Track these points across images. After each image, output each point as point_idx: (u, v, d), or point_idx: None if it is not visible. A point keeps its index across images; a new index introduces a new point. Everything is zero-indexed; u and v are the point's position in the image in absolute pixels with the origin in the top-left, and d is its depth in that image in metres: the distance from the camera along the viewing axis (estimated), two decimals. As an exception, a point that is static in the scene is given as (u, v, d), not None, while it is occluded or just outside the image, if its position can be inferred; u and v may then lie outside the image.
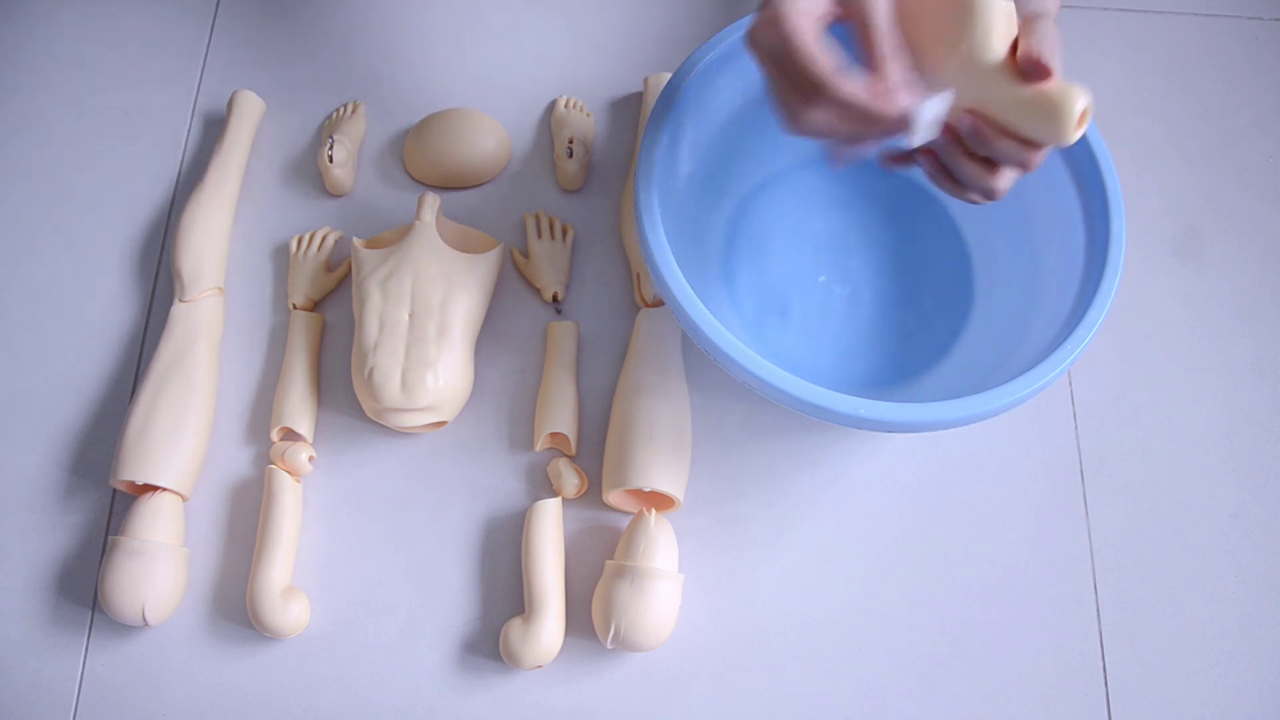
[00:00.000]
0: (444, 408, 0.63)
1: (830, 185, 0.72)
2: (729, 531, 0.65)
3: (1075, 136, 0.44)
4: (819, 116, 0.45)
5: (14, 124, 0.77)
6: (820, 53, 0.44)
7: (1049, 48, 0.44)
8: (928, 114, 0.46)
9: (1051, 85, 0.44)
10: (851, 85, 0.44)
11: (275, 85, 0.78)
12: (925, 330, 0.68)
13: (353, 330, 0.69)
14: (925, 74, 0.47)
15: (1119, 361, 0.70)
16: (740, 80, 0.64)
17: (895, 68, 0.45)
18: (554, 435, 0.66)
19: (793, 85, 0.45)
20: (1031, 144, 0.46)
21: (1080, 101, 0.44)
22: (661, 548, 0.60)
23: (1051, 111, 0.44)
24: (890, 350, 0.68)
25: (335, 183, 0.73)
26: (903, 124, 0.46)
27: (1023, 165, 0.47)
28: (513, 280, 0.72)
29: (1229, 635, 0.63)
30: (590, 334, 0.70)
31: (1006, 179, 0.48)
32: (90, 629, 0.63)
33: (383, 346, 0.63)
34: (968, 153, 0.48)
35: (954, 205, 0.71)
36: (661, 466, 0.62)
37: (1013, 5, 0.46)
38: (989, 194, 0.49)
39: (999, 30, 0.45)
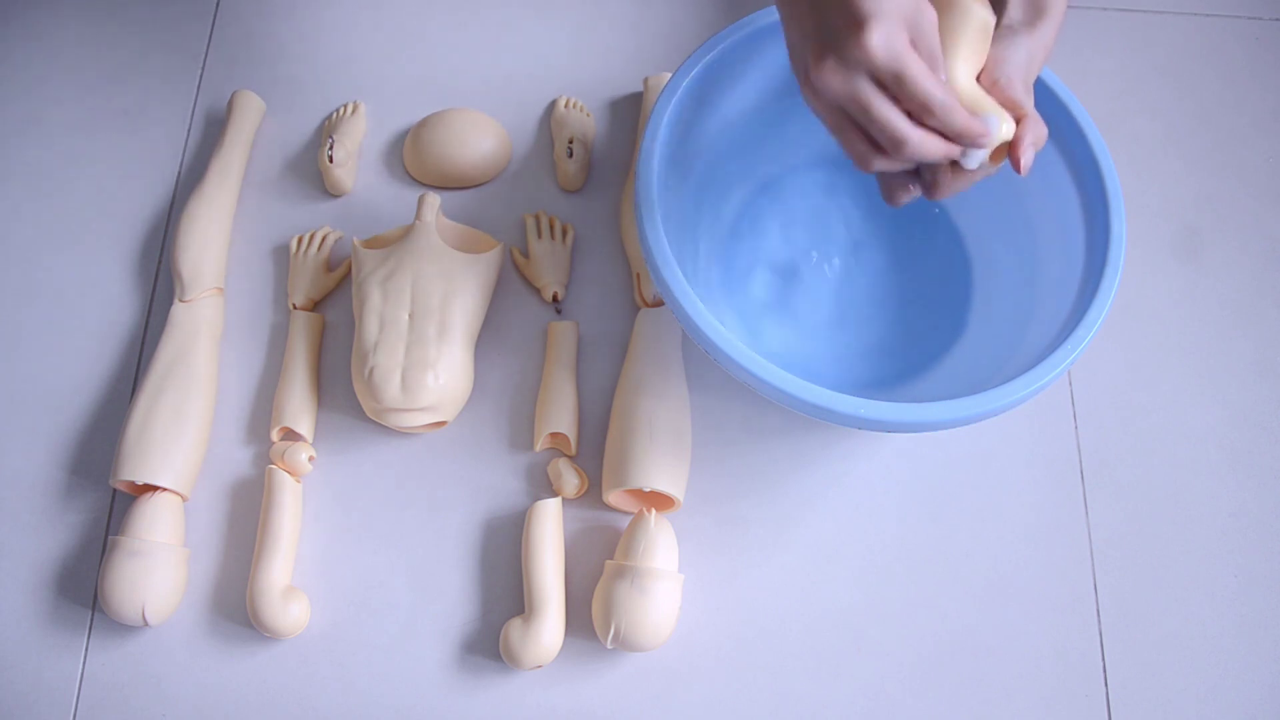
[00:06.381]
0: (444, 408, 0.63)
1: (829, 186, 0.72)
2: (729, 531, 0.65)
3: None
4: (921, 143, 0.45)
5: (14, 124, 0.77)
6: (932, 75, 0.45)
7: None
8: (998, 130, 0.48)
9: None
10: (961, 107, 0.45)
11: (275, 85, 0.78)
12: (925, 330, 0.68)
13: (353, 330, 0.69)
14: None
15: (1119, 361, 0.70)
16: (740, 81, 0.64)
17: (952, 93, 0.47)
18: (554, 435, 0.66)
19: (888, 118, 0.45)
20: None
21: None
22: (661, 548, 0.60)
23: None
24: (890, 350, 0.68)
25: (335, 183, 0.73)
26: (982, 141, 0.47)
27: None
28: (513, 280, 0.72)
29: (1229, 635, 0.63)
30: (590, 334, 0.70)
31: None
32: (90, 629, 0.63)
33: (383, 346, 0.63)
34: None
35: (954, 205, 0.71)
36: (661, 466, 0.62)
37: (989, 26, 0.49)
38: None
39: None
